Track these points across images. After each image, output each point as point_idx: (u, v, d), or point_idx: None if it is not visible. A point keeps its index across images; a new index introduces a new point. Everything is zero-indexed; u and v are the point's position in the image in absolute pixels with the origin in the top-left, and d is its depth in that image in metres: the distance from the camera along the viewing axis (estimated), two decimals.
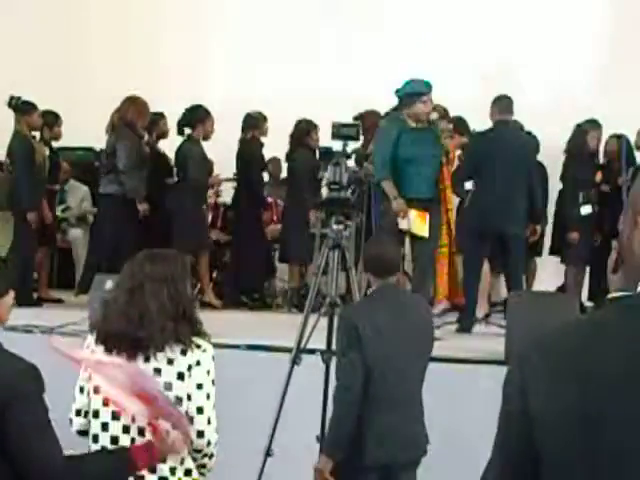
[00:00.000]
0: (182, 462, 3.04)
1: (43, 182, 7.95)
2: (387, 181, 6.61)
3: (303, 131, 8.26)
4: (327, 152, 4.48)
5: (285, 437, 4.77)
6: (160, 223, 7.80)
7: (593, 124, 7.98)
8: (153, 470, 2.97)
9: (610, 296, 2.42)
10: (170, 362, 3.00)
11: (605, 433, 1.37)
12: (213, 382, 3.08)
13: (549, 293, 6.54)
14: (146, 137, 8.04)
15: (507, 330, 5.64)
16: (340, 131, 4.50)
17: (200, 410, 3.03)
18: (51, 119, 8.21)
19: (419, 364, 4.00)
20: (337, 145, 4.41)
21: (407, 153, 6.63)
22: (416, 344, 3.94)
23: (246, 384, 5.39)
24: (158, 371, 3.00)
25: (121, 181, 7.63)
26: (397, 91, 6.78)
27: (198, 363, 3.03)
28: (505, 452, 1.51)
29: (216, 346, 3.19)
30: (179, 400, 3.00)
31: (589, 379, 1.40)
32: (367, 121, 7.61)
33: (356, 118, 7.66)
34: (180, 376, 3.01)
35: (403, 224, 6.52)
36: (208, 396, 3.05)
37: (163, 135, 8.26)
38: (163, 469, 3.00)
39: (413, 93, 6.66)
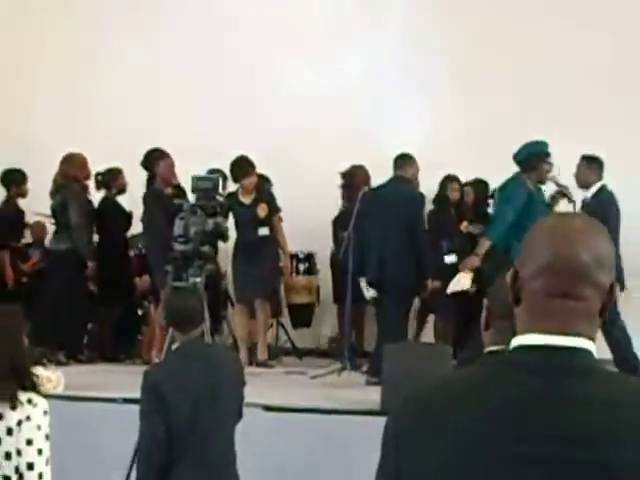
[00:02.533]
0: None
1: None
2: (487, 241, 6.65)
3: None
4: (179, 207, 4.50)
5: None
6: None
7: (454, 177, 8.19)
8: None
9: (486, 350, 2.44)
10: None
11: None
12: (47, 437, 3.04)
13: (424, 343, 6.60)
14: (104, 192, 8.15)
15: (384, 381, 5.66)
16: (196, 184, 4.51)
17: (30, 466, 3.01)
18: (18, 177, 8.34)
19: (229, 421, 3.90)
20: (195, 198, 4.41)
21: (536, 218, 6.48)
22: (227, 401, 3.84)
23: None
24: None
25: (72, 238, 7.72)
26: (515, 155, 6.83)
27: (28, 418, 3.00)
28: None
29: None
30: (8, 455, 2.97)
31: (457, 436, 1.42)
32: (356, 177, 7.78)
33: (343, 175, 7.92)
34: (9, 431, 2.99)
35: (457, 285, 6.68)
36: (40, 451, 3.02)
37: (122, 190, 8.17)
38: None
39: (538, 154, 6.75)
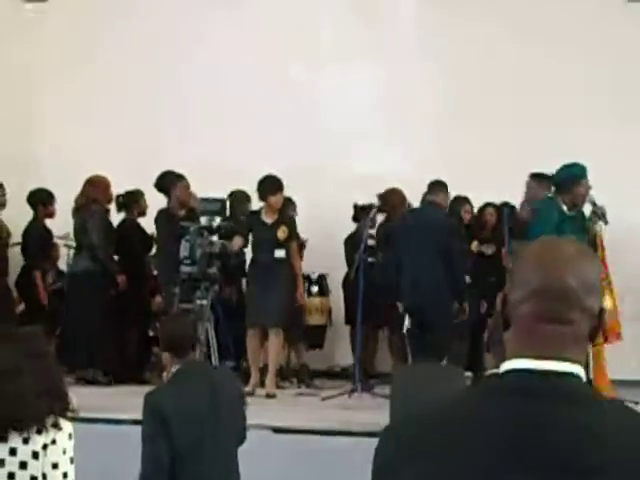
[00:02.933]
0: None
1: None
2: None
3: None
4: (185, 229, 4.54)
5: None
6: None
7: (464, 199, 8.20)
8: None
9: (488, 373, 2.44)
10: (25, 441, 2.95)
11: None
12: (72, 460, 3.02)
13: (435, 364, 6.57)
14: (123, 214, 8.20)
15: (391, 402, 5.65)
16: (204, 206, 4.54)
17: None
18: (44, 197, 8.37)
19: (231, 443, 3.91)
20: (203, 220, 4.44)
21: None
22: (228, 423, 3.85)
23: None
24: (13, 450, 2.94)
25: (94, 257, 7.75)
26: (553, 176, 6.87)
27: (54, 442, 2.98)
28: None
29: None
30: (34, 479, 2.95)
31: (443, 462, 1.42)
32: (390, 200, 7.84)
33: (380, 197, 7.93)
34: (35, 455, 2.96)
35: None
36: (65, 475, 3.00)
37: (143, 212, 8.20)
38: None
39: (574, 177, 6.72)
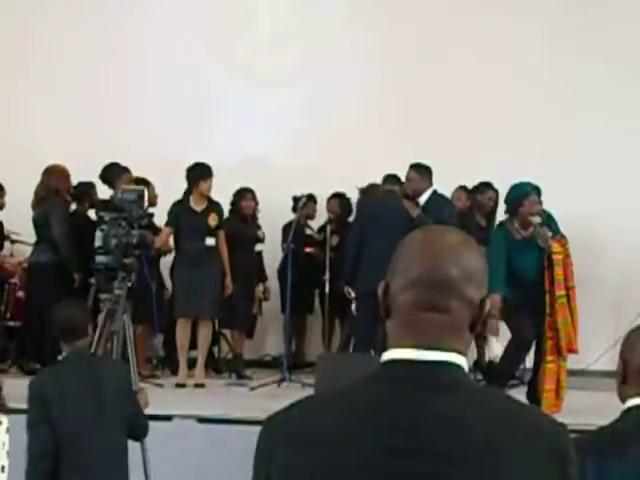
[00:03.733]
0: None
1: None
2: (496, 296, 6.07)
3: None
4: (100, 219, 4.54)
5: None
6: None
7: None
8: None
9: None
10: None
11: None
12: (8, 454, 3.06)
13: (358, 354, 6.63)
14: (74, 206, 7.97)
15: (316, 391, 5.69)
16: (123, 196, 4.54)
17: None
18: None
19: (117, 434, 3.88)
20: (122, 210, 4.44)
21: (513, 265, 6.48)
22: (112, 413, 3.82)
23: None
24: None
25: (55, 249, 7.56)
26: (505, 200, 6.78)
27: None
28: None
29: None
30: None
31: (320, 448, 1.44)
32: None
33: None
34: None
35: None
36: (2, 468, 3.03)
37: (93, 204, 7.93)
38: None
39: (516, 198, 6.58)
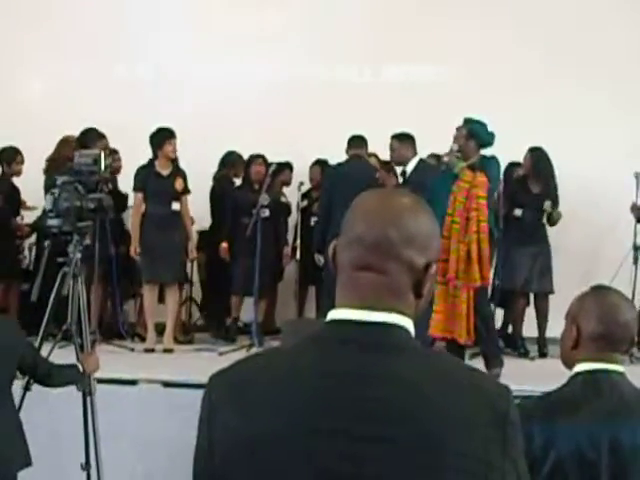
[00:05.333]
0: None
1: None
2: None
3: None
4: (53, 182, 4.51)
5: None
6: None
7: None
8: None
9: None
10: None
11: (272, 462, 1.41)
12: None
13: (322, 320, 6.64)
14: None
15: None
16: (77, 160, 4.49)
17: None
18: (10, 155, 7.98)
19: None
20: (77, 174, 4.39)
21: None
22: None
23: None
24: None
25: None
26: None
27: None
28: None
29: None
30: None
31: (258, 408, 1.44)
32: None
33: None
34: None
35: None
36: None
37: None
38: None
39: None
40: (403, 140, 7.42)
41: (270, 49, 9.05)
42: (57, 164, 7.44)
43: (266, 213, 7.70)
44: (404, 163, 7.42)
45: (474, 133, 6.39)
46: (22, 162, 7.96)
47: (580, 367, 2.36)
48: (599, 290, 2.46)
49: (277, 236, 8.07)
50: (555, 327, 7.12)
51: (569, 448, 2.23)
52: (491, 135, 6.40)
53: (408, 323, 1.48)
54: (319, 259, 7.53)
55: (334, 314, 1.49)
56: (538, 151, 7.73)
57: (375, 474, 1.37)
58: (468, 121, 6.47)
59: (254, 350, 7.17)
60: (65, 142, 7.74)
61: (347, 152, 7.65)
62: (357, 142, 7.62)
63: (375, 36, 8.94)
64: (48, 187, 7.38)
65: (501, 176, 6.90)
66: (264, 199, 7.53)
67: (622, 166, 7.87)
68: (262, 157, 7.97)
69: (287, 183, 8.61)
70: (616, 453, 2.20)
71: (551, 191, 7.69)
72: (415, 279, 1.49)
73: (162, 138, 7.41)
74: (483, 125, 6.42)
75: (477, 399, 1.43)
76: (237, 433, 1.44)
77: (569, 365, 2.42)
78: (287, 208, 8.49)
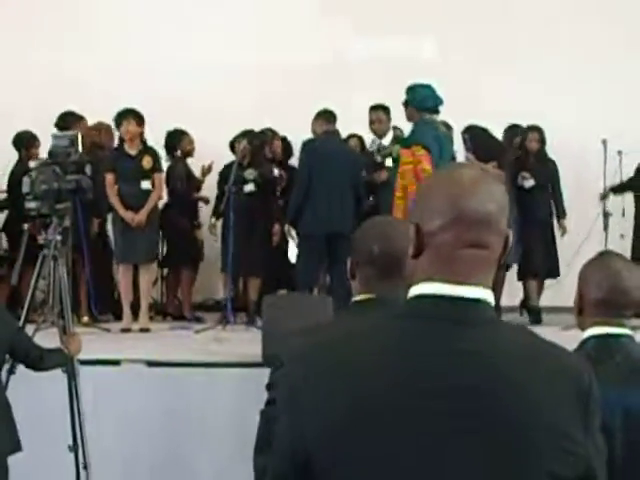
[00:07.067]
0: None
1: None
2: None
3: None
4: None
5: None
6: None
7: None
8: None
9: (354, 300, 2.42)
10: None
11: (369, 438, 1.41)
12: None
13: (303, 295, 6.65)
14: None
15: (263, 332, 5.69)
16: (53, 142, 4.48)
17: None
18: (28, 139, 7.96)
19: None
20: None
21: None
22: None
23: None
24: None
25: None
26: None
27: None
28: (276, 456, 1.53)
29: None
30: None
31: (354, 387, 1.43)
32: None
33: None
34: None
35: None
36: None
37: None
38: None
39: None
40: (387, 112, 7.46)
41: (236, 33, 9.02)
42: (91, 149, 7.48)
43: (250, 188, 7.68)
44: (384, 134, 7.47)
45: (408, 99, 6.43)
46: (39, 146, 7.89)
47: (589, 332, 2.40)
48: (602, 256, 2.49)
49: (267, 213, 7.97)
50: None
51: None
52: (428, 97, 6.37)
53: (491, 296, 1.52)
54: (289, 231, 7.50)
55: (422, 288, 1.50)
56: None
57: (470, 448, 1.40)
58: (407, 90, 6.48)
59: (228, 327, 7.19)
60: (91, 129, 7.80)
61: (318, 127, 7.51)
62: (329, 117, 7.51)
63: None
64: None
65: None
66: (249, 174, 7.52)
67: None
68: (246, 133, 7.92)
69: (276, 155, 8.46)
70: (628, 416, 2.24)
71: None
72: (503, 249, 1.53)
73: (119, 118, 7.46)
74: (422, 87, 6.40)
75: (562, 374, 1.47)
76: (329, 415, 1.44)
77: (582, 330, 2.47)
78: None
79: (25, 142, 7.98)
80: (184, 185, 8.15)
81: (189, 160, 8.32)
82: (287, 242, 7.99)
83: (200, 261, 8.37)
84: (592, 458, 1.46)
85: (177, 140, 8.23)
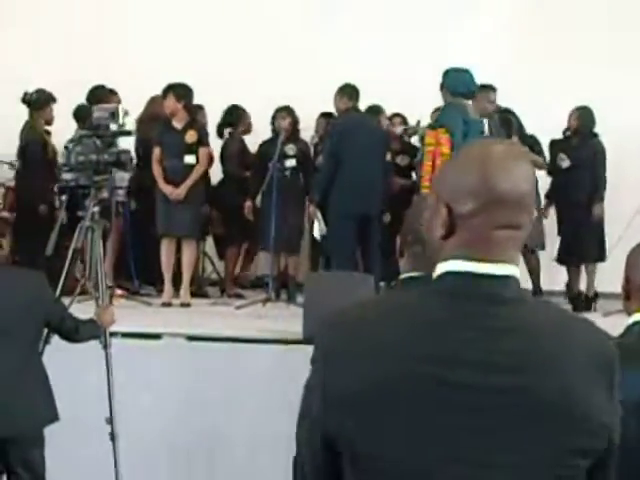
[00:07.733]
0: None
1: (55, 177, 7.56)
2: None
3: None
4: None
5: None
6: None
7: None
8: None
9: (402, 277, 2.41)
10: None
11: (397, 411, 1.42)
12: None
13: (346, 273, 6.61)
14: None
15: (305, 310, 5.67)
16: (94, 114, 4.48)
17: None
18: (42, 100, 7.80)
19: (20, 345, 3.95)
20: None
21: None
22: (18, 323, 3.90)
23: None
24: None
25: None
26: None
27: None
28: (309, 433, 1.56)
29: None
30: None
31: (382, 357, 1.44)
32: None
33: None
34: None
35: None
36: None
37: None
38: None
39: None
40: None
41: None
42: (146, 123, 7.54)
43: (292, 163, 7.64)
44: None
45: (443, 83, 6.42)
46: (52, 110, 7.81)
47: (635, 317, 2.39)
48: None
49: (305, 188, 7.88)
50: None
51: (631, 398, 2.20)
52: (460, 82, 6.32)
53: (518, 272, 1.51)
54: (315, 212, 7.40)
55: (449, 266, 1.49)
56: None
57: (503, 424, 1.42)
58: (443, 73, 6.45)
59: (269, 304, 7.18)
60: (153, 101, 7.81)
61: (341, 103, 7.40)
62: (351, 92, 7.40)
63: None
64: (137, 148, 7.53)
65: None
66: (290, 149, 7.48)
67: None
68: (287, 108, 7.86)
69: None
70: None
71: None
72: (530, 228, 1.53)
73: (163, 94, 7.46)
74: (458, 72, 6.37)
75: (590, 348, 1.49)
76: (357, 379, 1.45)
77: (629, 315, 2.45)
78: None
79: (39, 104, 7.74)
80: (234, 164, 8.10)
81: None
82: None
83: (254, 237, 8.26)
84: (614, 431, 1.50)
85: (236, 117, 8.18)
